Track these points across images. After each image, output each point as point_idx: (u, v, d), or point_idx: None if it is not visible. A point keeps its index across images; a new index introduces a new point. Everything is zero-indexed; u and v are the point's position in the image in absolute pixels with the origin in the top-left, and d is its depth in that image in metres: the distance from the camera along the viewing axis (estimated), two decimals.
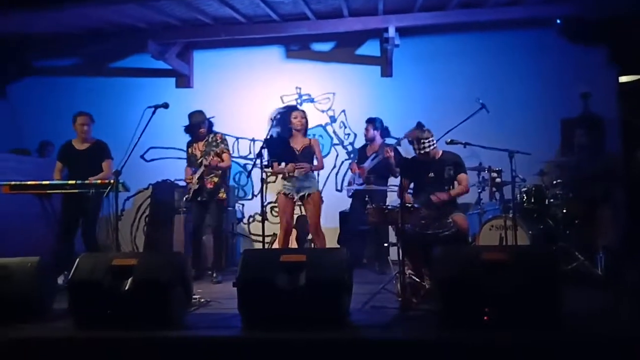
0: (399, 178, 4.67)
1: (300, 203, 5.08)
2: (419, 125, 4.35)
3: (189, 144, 5.28)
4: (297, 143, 5.06)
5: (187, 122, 5.22)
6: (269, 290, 3.07)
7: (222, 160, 5.05)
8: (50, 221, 5.00)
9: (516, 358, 2.66)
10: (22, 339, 3.03)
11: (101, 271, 3.22)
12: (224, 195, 5.14)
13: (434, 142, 4.28)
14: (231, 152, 6.95)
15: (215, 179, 5.08)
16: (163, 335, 2.98)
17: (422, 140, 4.22)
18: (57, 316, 3.47)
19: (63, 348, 2.95)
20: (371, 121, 5.72)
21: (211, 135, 5.19)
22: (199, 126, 5.13)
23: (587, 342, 2.71)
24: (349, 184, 5.88)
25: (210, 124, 5.23)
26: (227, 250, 6.22)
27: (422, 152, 4.23)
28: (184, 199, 5.19)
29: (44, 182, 4.91)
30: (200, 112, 5.18)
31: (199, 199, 5.08)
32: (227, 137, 5.93)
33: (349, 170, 6.16)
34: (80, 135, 5.26)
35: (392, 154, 5.24)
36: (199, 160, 5.06)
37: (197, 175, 5.00)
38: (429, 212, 4.05)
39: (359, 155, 5.82)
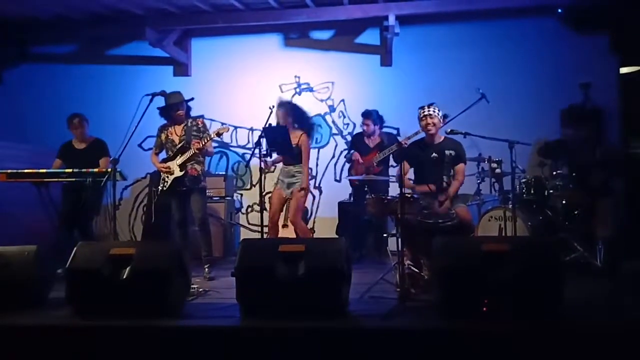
0: (397, 167, 4.65)
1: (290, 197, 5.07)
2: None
3: (163, 129, 4.84)
4: (293, 138, 4.97)
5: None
6: (267, 280, 3.06)
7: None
8: (48, 210, 4.98)
9: (515, 348, 2.67)
10: (19, 326, 3.03)
11: (99, 260, 3.21)
12: (206, 184, 4.95)
13: (438, 116, 4.36)
14: (229, 141, 7.01)
15: (197, 167, 4.72)
16: (161, 324, 2.97)
17: (429, 110, 4.32)
18: (55, 304, 3.46)
19: (61, 336, 2.95)
20: (369, 116, 5.59)
21: (190, 120, 4.80)
22: (177, 108, 4.71)
23: (585, 333, 2.71)
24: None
25: (189, 108, 4.83)
26: (226, 240, 6.20)
27: (429, 117, 4.29)
28: (159, 189, 4.81)
29: (41, 171, 4.92)
30: (179, 93, 4.77)
31: (181, 187, 4.70)
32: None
33: (346, 162, 6.08)
34: (76, 136, 5.32)
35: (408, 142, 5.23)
36: (179, 146, 4.71)
37: (179, 162, 4.64)
38: (432, 201, 4.03)
39: (358, 145, 5.69)
